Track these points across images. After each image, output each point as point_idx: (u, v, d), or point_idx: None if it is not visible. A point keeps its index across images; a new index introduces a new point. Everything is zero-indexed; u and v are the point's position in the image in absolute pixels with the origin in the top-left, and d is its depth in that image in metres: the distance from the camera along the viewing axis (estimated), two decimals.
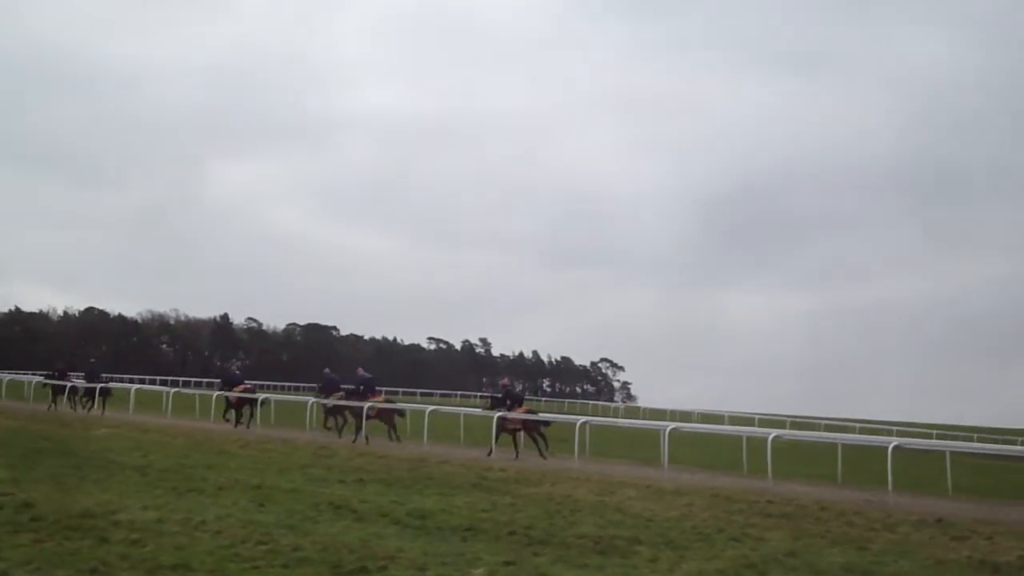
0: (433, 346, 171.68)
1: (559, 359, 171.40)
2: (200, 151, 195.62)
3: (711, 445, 30.83)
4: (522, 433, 24.70)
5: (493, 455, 23.07)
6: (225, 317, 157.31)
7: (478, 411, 28.39)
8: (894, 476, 18.44)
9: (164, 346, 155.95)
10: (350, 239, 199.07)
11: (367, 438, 26.11)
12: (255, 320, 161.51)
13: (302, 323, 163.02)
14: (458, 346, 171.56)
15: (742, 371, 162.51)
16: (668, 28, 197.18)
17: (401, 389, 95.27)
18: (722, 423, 50.15)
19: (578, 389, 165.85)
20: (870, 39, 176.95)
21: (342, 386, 31.38)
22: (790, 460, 25.81)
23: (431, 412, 27.47)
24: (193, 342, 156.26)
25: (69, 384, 38.34)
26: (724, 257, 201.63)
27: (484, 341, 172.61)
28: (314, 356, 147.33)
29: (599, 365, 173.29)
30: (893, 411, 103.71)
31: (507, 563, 9.95)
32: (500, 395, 26.82)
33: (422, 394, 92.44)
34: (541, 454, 23.55)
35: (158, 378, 79.30)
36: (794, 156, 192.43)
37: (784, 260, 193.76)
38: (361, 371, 31.35)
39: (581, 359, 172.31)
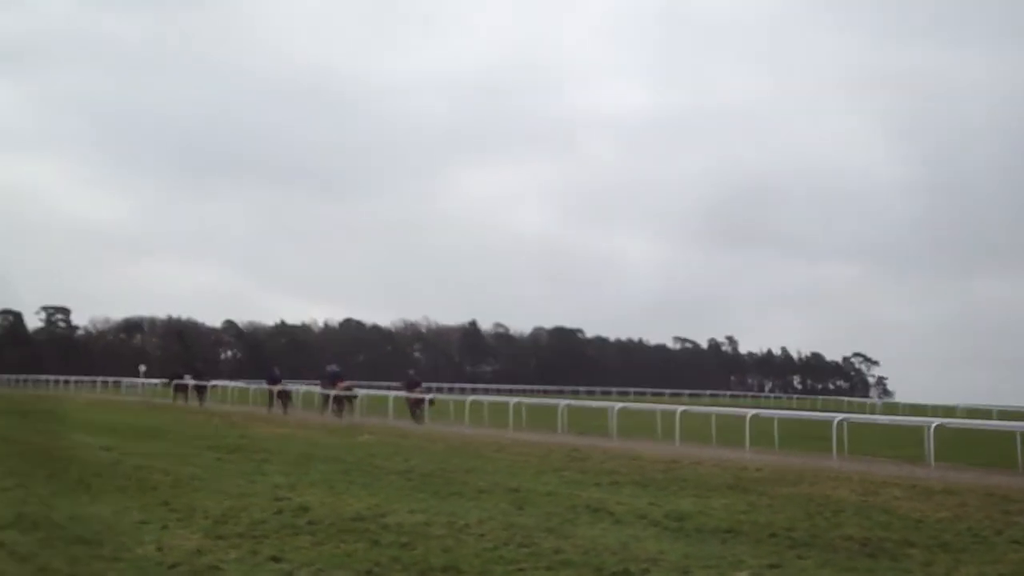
0: (679, 346, 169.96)
1: (809, 355, 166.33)
2: (444, 161, 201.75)
3: (980, 442, 29.02)
4: None
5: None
6: (473, 323, 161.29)
7: (730, 411, 27.87)
8: None
9: (416, 353, 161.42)
10: (593, 241, 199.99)
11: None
12: (502, 325, 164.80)
13: (548, 327, 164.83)
14: (704, 345, 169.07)
15: (1011, 364, 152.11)
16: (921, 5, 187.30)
17: (649, 390, 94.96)
18: (990, 418, 47.12)
19: (830, 385, 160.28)
20: None
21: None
22: None
23: (682, 412, 27.20)
24: (444, 349, 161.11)
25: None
26: (981, 245, 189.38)
27: (731, 340, 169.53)
28: (561, 360, 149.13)
29: (851, 360, 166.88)
30: None
31: (772, 566, 9.70)
32: None
33: (671, 394, 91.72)
34: None
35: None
36: None
37: None
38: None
39: (832, 355, 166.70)
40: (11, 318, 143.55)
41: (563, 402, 31.61)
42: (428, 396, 37.13)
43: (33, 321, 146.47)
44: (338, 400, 37.68)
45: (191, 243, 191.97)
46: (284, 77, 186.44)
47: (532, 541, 10.82)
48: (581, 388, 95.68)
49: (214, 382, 50.66)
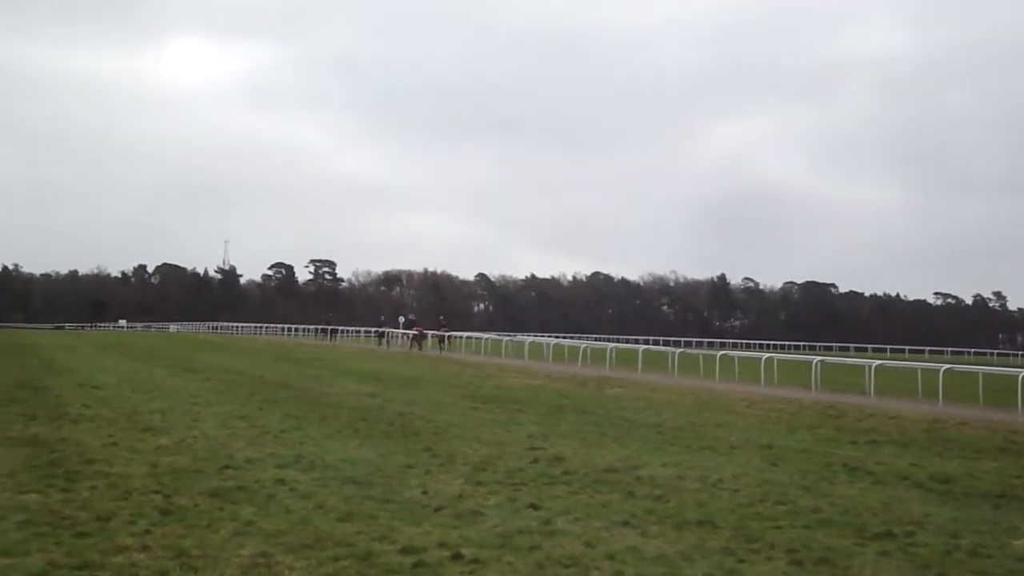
0: (940, 301, 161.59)
1: None
2: (693, 111, 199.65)
3: None
4: None
5: None
6: (722, 278, 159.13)
7: (998, 369, 26.31)
8: None
9: (664, 307, 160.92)
10: (849, 192, 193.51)
11: None
12: (751, 280, 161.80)
13: (799, 281, 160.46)
14: (968, 301, 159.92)
15: None
16: None
17: (907, 347, 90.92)
18: None
19: None
20: None
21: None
22: None
23: (945, 371, 25.91)
24: (692, 303, 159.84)
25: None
26: None
27: (998, 295, 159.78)
28: (813, 315, 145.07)
29: None
30: None
31: None
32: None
33: (930, 352, 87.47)
34: None
35: (660, 339, 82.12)
36: None
37: None
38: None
39: None
40: (283, 271, 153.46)
41: (816, 358, 30.76)
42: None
43: (303, 274, 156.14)
44: (415, 338, 51.83)
45: (446, 198, 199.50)
46: (536, 32, 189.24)
47: (788, 499, 10.68)
48: (834, 344, 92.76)
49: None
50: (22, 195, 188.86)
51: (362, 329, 72.55)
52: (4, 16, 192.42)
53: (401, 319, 65.77)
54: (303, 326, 78.79)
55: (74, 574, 6.99)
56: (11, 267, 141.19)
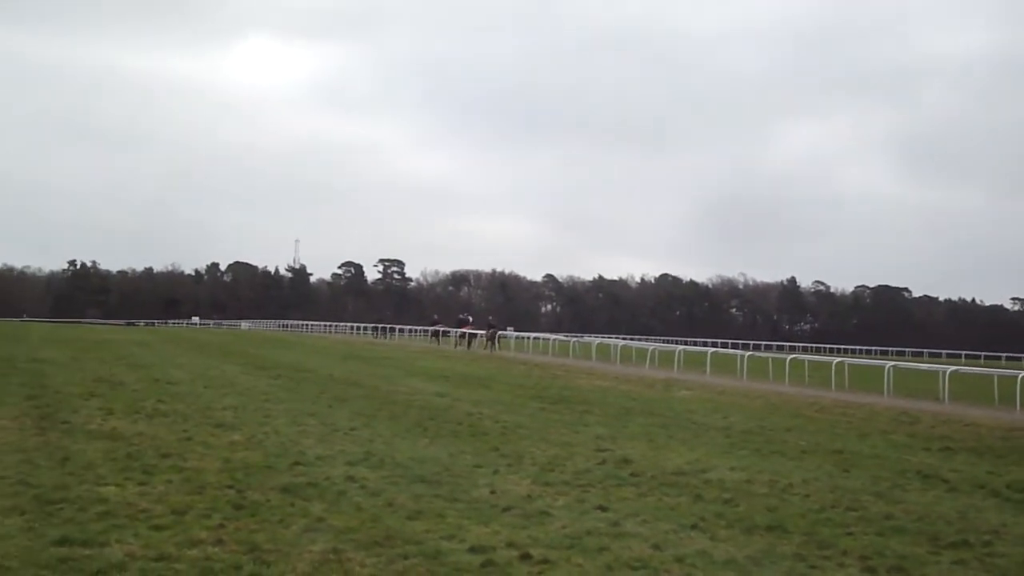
0: (1017, 307, 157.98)
1: None
2: (765, 113, 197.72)
3: None
4: None
5: None
6: (792, 281, 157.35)
7: None
8: None
9: (733, 310, 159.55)
10: (925, 194, 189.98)
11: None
12: (822, 283, 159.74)
13: (871, 285, 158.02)
14: None
15: None
16: None
17: (982, 353, 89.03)
18: None
19: None
20: None
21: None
22: None
23: (1022, 378, 25.32)
24: (761, 306, 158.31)
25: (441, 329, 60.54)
26: None
27: None
28: (885, 319, 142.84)
29: None
30: None
31: None
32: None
33: (1007, 358, 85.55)
34: None
35: (729, 341, 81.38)
36: None
37: None
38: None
39: None
40: (352, 270, 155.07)
41: (888, 363, 30.26)
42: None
43: (372, 273, 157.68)
44: (464, 336, 54.60)
45: (514, 198, 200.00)
46: (605, 32, 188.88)
47: (860, 504, 10.54)
48: (907, 349, 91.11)
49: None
50: (100, 194, 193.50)
51: (418, 328, 72.83)
52: (82, 18, 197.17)
53: (459, 318, 66.59)
54: (361, 324, 79.98)
55: (151, 565, 7.13)
56: (89, 264, 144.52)
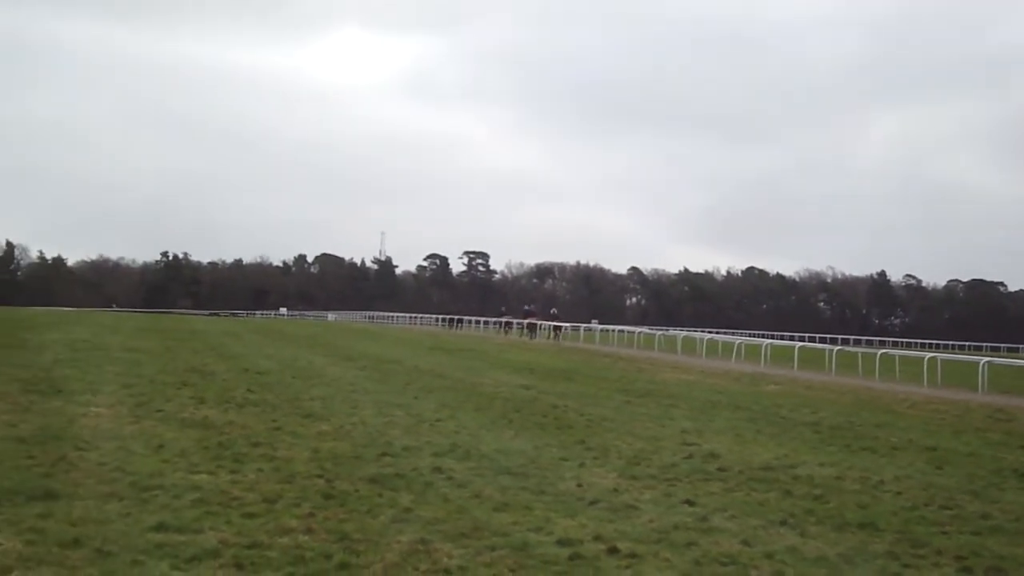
0: None
1: None
2: (854, 103, 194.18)
3: None
4: None
5: None
6: (882, 274, 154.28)
7: None
8: None
9: (821, 304, 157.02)
10: (1019, 187, 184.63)
11: None
12: (913, 277, 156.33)
13: (965, 279, 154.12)
14: None
15: None
16: None
17: None
18: None
19: None
20: None
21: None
22: None
23: None
24: (850, 300, 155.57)
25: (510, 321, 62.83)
26: None
27: None
28: (979, 314, 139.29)
29: None
30: None
31: None
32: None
33: None
34: None
35: (817, 336, 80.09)
36: None
37: None
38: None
39: None
40: (437, 262, 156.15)
41: (983, 359, 29.49)
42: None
43: (457, 265, 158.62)
44: (529, 327, 56.70)
45: (598, 190, 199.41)
46: (691, 23, 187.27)
47: (955, 503, 10.31)
48: (1002, 345, 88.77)
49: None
50: (193, 186, 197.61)
51: (490, 320, 73.02)
52: (185, 15, 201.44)
53: (524, 309, 68.87)
54: (437, 316, 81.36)
55: (244, 552, 7.26)
56: (181, 255, 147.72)
